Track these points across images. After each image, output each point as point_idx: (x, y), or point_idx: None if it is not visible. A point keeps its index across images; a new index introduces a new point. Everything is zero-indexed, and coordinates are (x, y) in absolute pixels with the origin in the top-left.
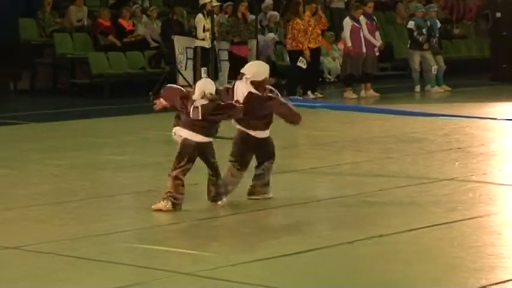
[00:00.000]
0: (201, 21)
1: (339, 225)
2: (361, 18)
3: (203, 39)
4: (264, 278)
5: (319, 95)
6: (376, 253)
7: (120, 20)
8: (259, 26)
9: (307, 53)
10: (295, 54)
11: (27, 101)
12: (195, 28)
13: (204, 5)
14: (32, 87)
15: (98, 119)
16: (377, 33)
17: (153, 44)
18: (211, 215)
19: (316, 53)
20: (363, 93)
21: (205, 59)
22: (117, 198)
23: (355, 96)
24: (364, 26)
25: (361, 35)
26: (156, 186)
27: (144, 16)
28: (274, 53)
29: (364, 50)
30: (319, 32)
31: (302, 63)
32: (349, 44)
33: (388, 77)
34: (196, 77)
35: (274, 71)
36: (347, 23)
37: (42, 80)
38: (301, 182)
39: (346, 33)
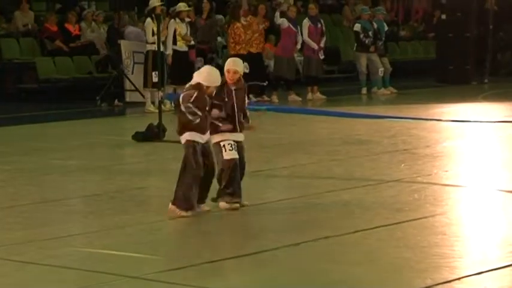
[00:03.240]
0: (150, 25)
1: (284, 227)
2: (305, 21)
3: (153, 43)
4: (207, 281)
5: (266, 98)
6: (321, 254)
7: (67, 25)
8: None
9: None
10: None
11: None
12: (145, 32)
13: (153, 9)
14: None
15: (45, 124)
16: (323, 39)
17: (102, 52)
18: (157, 219)
19: (258, 57)
20: (309, 95)
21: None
22: (64, 203)
23: (298, 98)
24: (305, 29)
25: (297, 38)
26: (103, 190)
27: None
28: (220, 57)
29: (294, 54)
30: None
31: (246, 68)
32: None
33: (335, 79)
34: (148, 81)
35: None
36: (282, 23)
37: None
38: (247, 185)
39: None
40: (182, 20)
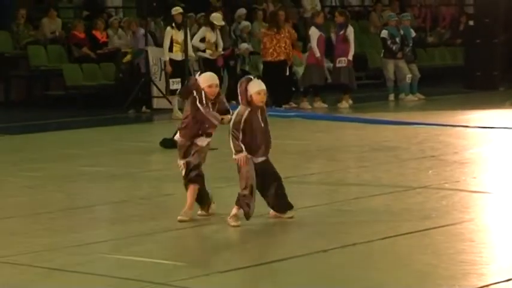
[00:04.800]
0: (169, 33)
1: (313, 234)
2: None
3: (171, 52)
4: (238, 287)
5: (294, 105)
6: (350, 261)
7: (94, 32)
8: (233, 36)
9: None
10: (283, 65)
11: (2, 113)
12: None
13: (173, 16)
14: (7, 99)
15: (73, 131)
16: (351, 47)
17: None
18: (185, 226)
19: (286, 64)
20: (344, 103)
21: (176, 71)
22: (92, 209)
23: (324, 105)
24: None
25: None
26: (130, 196)
27: (119, 28)
28: (247, 63)
29: (324, 61)
30: (288, 42)
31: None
32: (318, 54)
33: (363, 86)
34: (166, 88)
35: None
36: (313, 32)
37: (16, 92)
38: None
39: (313, 42)
40: (213, 28)
